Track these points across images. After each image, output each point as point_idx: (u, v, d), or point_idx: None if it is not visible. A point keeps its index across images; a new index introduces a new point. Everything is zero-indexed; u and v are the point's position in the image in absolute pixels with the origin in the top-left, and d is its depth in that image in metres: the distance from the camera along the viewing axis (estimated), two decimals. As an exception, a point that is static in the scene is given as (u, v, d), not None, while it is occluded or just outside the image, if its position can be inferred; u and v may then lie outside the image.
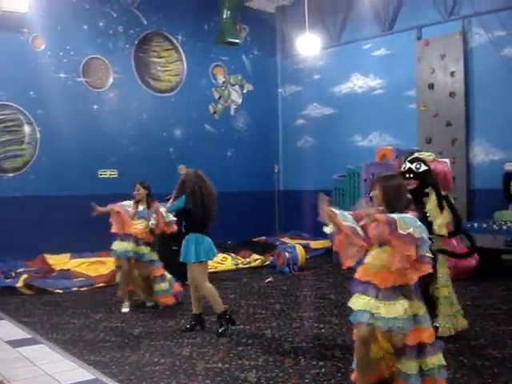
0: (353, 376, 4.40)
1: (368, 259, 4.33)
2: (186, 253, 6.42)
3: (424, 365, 4.18)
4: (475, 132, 10.86)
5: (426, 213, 5.69)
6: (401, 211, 4.22)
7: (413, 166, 5.79)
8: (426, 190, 5.84)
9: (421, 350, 4.20)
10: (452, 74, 10.99)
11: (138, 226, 7.78)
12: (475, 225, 9.04)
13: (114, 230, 7.86)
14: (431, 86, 11.31)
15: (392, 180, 4.40)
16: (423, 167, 5.78)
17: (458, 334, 6.10)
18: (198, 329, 6.60)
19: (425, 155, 6.03)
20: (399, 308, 4.11)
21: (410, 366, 4.18)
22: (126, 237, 7.80)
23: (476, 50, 10.80)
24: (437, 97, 11.19)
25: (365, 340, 4.17)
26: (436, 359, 4.19)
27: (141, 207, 7.87)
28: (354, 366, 4.37)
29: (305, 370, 5.16)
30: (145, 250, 7.78)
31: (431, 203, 5.82)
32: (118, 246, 7.83)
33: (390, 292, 4.17)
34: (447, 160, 6.54)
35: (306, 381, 4.88)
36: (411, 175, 5.77)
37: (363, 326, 4.15)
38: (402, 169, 5.90)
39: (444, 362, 4.22)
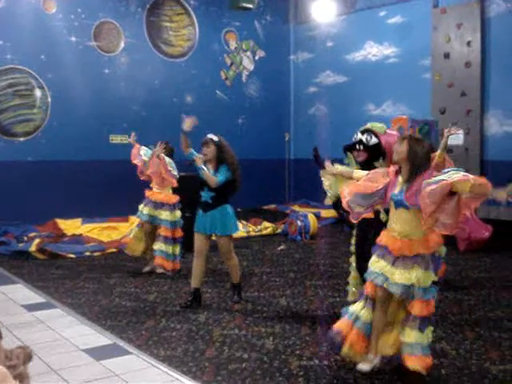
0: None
1: (390, 223, 4.38)
2: (226, 224, 6.17)
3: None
4: (490, 103, 10.72)
5: None
6: (417, 173, 4.28)
7: (363, 138, 5.48)
8: (376, 164, 5.48)
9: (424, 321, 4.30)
10: (468, 43, 10.81)
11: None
12: (489, 196, 8.97)
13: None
14: (447, 56, 11.14)
15: (422, 143, 4.43)
16: (373, 140, 5.45)
17: (474, 305, 6.12)
18: (194, 306, 6.19)
19: (377, 126, 5.77)
20: (413, 276, 4.21)
21: (414, 337, 4.25)
22: (147, 201, 8.00)
23: (494, 19, 10.58)
24: (452, 66, 11.04)
25: (382, 300, 4.34)
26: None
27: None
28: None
29: (322, 339, 5.17)
30: (163, 214, 7.83)
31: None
32: (141, 208, 8.07)
33: (406, 260, 4.26)
34: (395, 132, 6.39)
35: (324, 349, 4.89)
36: (361, 147, 5.48)
37: (379, 288, 4.32)
38: (353, 139, 5.60)
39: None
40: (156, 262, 7.84)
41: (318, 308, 6.19)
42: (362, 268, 5.74)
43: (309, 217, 10.58)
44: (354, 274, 5.98)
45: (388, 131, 5.89)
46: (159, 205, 7.87)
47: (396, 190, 4.33)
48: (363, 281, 5.86)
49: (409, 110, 11.65)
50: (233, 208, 6.34)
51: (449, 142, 10.29)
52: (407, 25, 11.94)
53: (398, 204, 4.31)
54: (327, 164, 5.62)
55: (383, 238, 4.40)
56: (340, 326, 4.42)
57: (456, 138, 10.79)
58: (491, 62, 10.65)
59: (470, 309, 6.03)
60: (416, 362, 4.21)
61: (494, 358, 4.63)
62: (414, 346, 4.22)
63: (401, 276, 4.21)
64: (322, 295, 6.70)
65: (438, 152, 6.29)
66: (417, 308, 4.23)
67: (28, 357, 2.87)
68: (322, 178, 5.97)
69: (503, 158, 10.25)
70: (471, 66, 10.79)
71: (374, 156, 5.52)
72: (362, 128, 5.75)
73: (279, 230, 11.11)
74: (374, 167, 5.55)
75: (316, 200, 12.97)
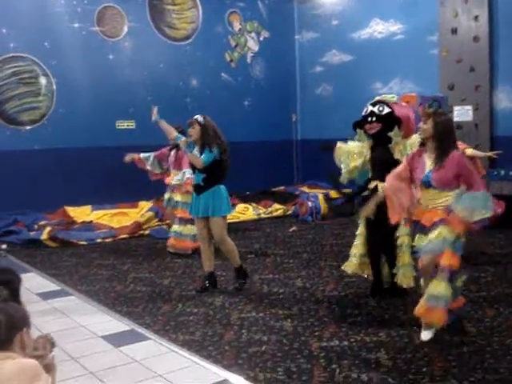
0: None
1: (421, 200, 4.60)
2: (220, 206, 5.98)
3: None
4: (499, 78, 10.59)
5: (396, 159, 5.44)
6: (448, 148, 4.40)
7: (375, 109, 5.46)
8: (389, 134, 5.47)
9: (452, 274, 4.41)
10: (476, 18, 10.66)
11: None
12: (502, 172, 8.91)
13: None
14: (454, 31, 10.98)
15: (445, 116, 4.54)
16: (386, 109, 5.44)
17: (491, 282, 6.08)
18: (210, 290, 6.15)
19: (387, 97, 5.71)
20: (435, 233, 4.36)
21: (442, 288, 4.33)
22: (167, 188, 8.23)
23: (501, -8, 10.46)
24: (460, 42, 10.89)
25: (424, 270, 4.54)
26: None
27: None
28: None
29: (340, 319, 5.15)
30: (178, 195, 7.90)
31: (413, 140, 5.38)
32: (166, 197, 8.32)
33: (436, 224, 4.42)
34: (405, 104, 6.30)
35: (344, 329, 4.86)
36: (373, 118, 5.44)
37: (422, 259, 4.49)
38: (364, 112, 5.57)
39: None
40: (169, 241, 7.99)
41: (334, 288, 6.15)
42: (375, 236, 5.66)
43: (319, 197, 10.54)
44: (358, 242, 5.84)
45: (398, 102, 5.82)
46: (176, 187, 7.94)
47: (425, 172, 4.48)
48: (370, 250, 5.75)
49: (416, 87, 11.53)
50: (227, 189, 6.12)
51: (458, 119, 10.35)
52: (413, 0, 11.78)
53: (427, 184, 4.46)
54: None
55: (413, 215, 4.61)
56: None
57: (465, 113, 10.74)
58: (499, 36, 10.50)
59: (488, 286, 5.99)
60: (434, 315, 4.34)
61: (516, 335, 4.59)
62: (439, 297, 4.31)
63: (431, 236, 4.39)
64: (337, 275, 6.64)
65: (472, 151, 6.33)
66: (445, 258, 4.30)
67: (52, 345, 2.85)
68: (336, 156, 5.91)
69: (513, 133, 10.16)
70: (479, 41, 10.64)
71: (388, 126, 5.49)
72: (373, 100, 5.69)
73: (290, 212, 11.08)
74: (389, 138, 5.51)
75: (325, 180, 12.91)
